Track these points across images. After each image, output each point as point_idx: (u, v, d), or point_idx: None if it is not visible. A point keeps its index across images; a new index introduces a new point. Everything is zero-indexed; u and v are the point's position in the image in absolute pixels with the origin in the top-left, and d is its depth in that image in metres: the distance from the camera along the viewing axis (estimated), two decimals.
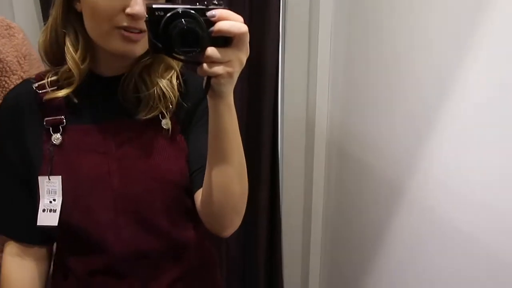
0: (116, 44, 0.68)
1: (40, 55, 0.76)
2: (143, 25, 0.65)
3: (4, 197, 0.78)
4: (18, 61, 1.01)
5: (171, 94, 0.74)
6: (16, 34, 1.03)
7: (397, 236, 1.09)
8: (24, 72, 1.02)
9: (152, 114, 0.73)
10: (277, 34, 1.42)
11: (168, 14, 0.54)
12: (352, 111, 1.34)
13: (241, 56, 0.57)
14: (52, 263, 0.83)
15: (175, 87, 0.76)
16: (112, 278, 0.75)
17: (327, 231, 1.58)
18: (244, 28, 0.55)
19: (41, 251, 0.80)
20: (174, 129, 0.76)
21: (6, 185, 0.77)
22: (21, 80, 1.01)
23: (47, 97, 0.73)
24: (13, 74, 0.99)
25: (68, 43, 0.71)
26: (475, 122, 0.80)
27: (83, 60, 0.72)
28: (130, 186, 0.73)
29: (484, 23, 0.76)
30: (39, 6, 1.28)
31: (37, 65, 1.08)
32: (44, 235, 0.77)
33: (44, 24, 0.74)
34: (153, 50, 0.57)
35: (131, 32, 0.66)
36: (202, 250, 0.85)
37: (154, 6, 0.55)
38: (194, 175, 0.75)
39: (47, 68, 0.78)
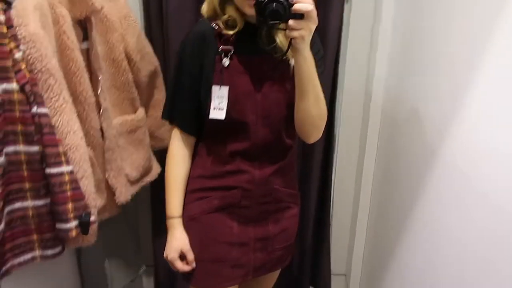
0: (246, 9, 0.99)
1: (202, 12, 1.07)
2: None
3: (182, 100, 1.11)
4: (119, 21, 1.27)
5: (285, 42, 1.02)
6: None
7: (435, 196, 1.17)
8: (124, 30, 1.28)
9: (282, 55, 1.02)
10: (341, 13, 1.51)
11: (265, 1, 0.88)
12: (406, 82, 1.40)
13: (310, 25, 0.90)
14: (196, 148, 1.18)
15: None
16: (245, 158, 1.10)
17: (376, 194, 1.67)
18: (311, 7, 0.88)
19: (193, 139, 1.16)
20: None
21: (185, 91, 1.09)
22: (121, 37, 1.28)
23: (223, 31, 1.04)
24: (115, 31, 1.25)
25: (227, 5, 1.02)
26: None
27: (238, 13, 1.02)
28: (267, 101, 1.06)
29: None
30: None
31: (134, 26, 1.34)
32: (198, 129, 1.13)
33: None
34: (257, 23, 0.92)
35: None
36: (293, 154, 1.20)
37: None
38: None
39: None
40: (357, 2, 1.59)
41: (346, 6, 1.54)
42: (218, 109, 1.05)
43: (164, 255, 1.13)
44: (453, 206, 1.05)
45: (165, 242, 1.15)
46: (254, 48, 1.05)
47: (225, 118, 1.04)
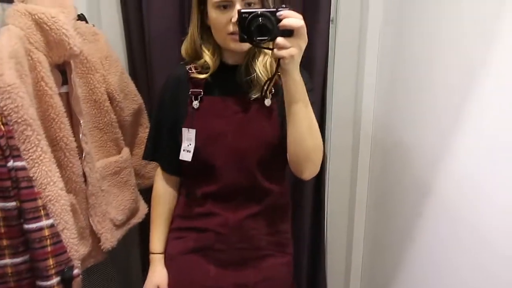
0: (230, 45, 0.99)
1: (182, 53, 1.09)
2: None
3: (162, 141, 1.13)
4: (100, 62, 1.24)
5: (265, 77, 1.01)
6: (100, 39, 1.26)
7: (428, 231, 1.14)
8: (105, 71, 1.25)
9: (259, 94, 1.02)
10: (327, 40, 1.50)
11: (250, 15, 0.82)
12: (394, 112, 1.38)
13: (300, 43, 0.83)
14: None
15: (269, 70, 1.02)
16: (216, 201, 1.08)
17: (370, 218, 1.64)
18: (301, 23, 0.81)
19: (176, 178, 1.17)
20: (272, 106, 1.04)
21: (162, 133, 1.12)
22: (102, 78, 1.25)
23: (193, 76, 1.06)
24: (97, 72, 1.22)
25: (204, 48, 1.05)
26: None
27: (213, 55, 1.05)
28: (239, 143, 1.03)
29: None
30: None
31: (115, 65, 1.31)
32: (179, 170, 1.12)
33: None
34: (240, 39, 0.86)
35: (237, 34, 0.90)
36: (280, 198, 1.13)
37: (242, 10, 0.84)
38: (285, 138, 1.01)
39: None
40: (342, 29, 1.59)
41: (331, 33, 1.53)
42: (186, 151, 1.06)
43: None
44: (449, 241, 1.03)
45: None
46: (228, 88, 1.06)
47: (192, 160, 1.05)
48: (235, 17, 0.92)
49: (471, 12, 0.94)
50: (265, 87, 0.99)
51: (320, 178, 1.62)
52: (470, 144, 0.94)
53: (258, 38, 0.82)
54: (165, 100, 1.11)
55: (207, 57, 1.04)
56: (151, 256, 1.16)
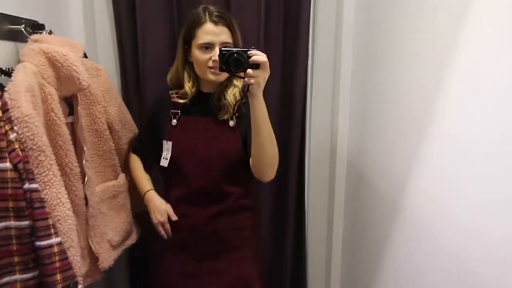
0: (209, 76, 1.27)
1: (167, 81, 1.37)
2: None
3: (145, 148, 1.42)
4: (102, 94, 1.36)
5: (233, 103, 1.28)
6: (102, 74, 1.39)
7: (399, 239, 1.28)
8: (106, 103, 1.37)
9: (226, 116, 1.30)
10: (305, 77, 1.70)
11: (228, 52, 1.10)
12: (367, 137, 1.55)
13: (264, 74, 1.09)
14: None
15: (237, 98, 1.29)
16: (187, 203, 1.33)
17: (347, 234, 1.77)
18: (265, 59, 1.08)
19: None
20: (235, 126, 1.31)
21: (148, 143, 1.40)
22: (104, 109, 1.37)
23: (174, 100, 1.34)
24: (99, 104, 1.33)
25: (185, 79, 1.33)
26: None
27: (192, 86, 1.33)
28: (207, 155, 1.29)
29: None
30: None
31: (115, 97, 1.43)
32: (150, 166, 1.43)
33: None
34: (220, 69, 1.13)
35: (216, 68, 1.20)
36: (242, 198, 1.35)
37: (222, 49, 1.12)
38: (248, 150, 1.25)
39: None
40: (319, 60, 1.78)
41: (309, 63, 1.72)
42: (164, 158, 1.32)
43: (155, 221, 1.35)
44: (418, 256, 1.16)
45: None
46: (202, 111, 1.32)
47: (168, 166, 1.31)
48: (215, 56, 1.20)
49: (426, 46, 1.13)
50: (235, 107, 1.27)
51: (300, 201, 1.77)
52: (432, 163, 1.10)
53: (233, 69, 1.09)
54: (149, 116, 1.41)
55: (186, 87, 1.32)
56: (147, 194, 1.39)
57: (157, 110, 1.37)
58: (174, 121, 1.33)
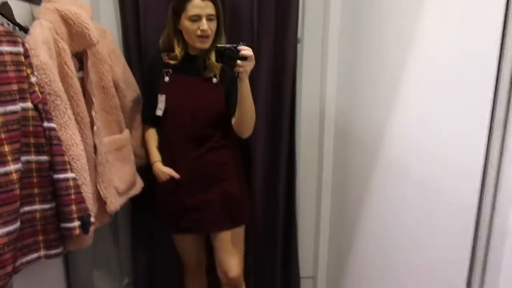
0: (197, 43, 1.50)
1: (159, 44, 1.59)
2: (208, 34, 1.48)
3: (152, 109, 1.59)
4: (108, 54, 1.48)
5: (217, 65, 1.52)
6: (107, 36, 1.51)
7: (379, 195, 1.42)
8: (112, 62, 1.49)
9: (211, 74, 1.54)
10: (295, 53, 1.84)
11: (223, 49, 1.37)
12: (352, 94, 1.69)
13: (251, 64, 1.37)
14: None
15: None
16: (178, 146, 1.57)
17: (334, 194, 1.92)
18: (251, 53, 1.36)
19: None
20: (218, 83, 1.56)
21: (152, 102, 1.59)
22: (110, 68, 1.49)
23: (166, 61, 1.56)
24: (105, 63, 1.46)
25: (175, 44, 1.54)
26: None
27: (182, 50, 1.55)
28: (195, 106, 1.53)
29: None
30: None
31: (120, 59, 1.56)
32: (156, 122, 1.63)
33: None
34: (216, 61, 1.42)
35: (203, 37, 1.48)
36: (221, 139, 1.59)
37: (218, 45, 1.40)
38: (230, 108, 1.53)
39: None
40: (308, 46, 1.91)
41: (299, 49, 1.87)
42: (159, 109, 1.57)
43: (160, 180, 1.59)
44: (394, 194, 1.31)
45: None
46: (190, 70, 1.55)
47: (162, 115, 1.56)
48: (202, 27, 1.46)
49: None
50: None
51: (292, 156, 1.92)
52: (407, 115, 1.24)
53: (227, 61, 1.37)
54: (149, 73, 1.64)
55: (176, 51, 1.54)
56: (155, 164, 1.61)
57: (153, 68, 1.60)
58: (167, 78, 1.56)
